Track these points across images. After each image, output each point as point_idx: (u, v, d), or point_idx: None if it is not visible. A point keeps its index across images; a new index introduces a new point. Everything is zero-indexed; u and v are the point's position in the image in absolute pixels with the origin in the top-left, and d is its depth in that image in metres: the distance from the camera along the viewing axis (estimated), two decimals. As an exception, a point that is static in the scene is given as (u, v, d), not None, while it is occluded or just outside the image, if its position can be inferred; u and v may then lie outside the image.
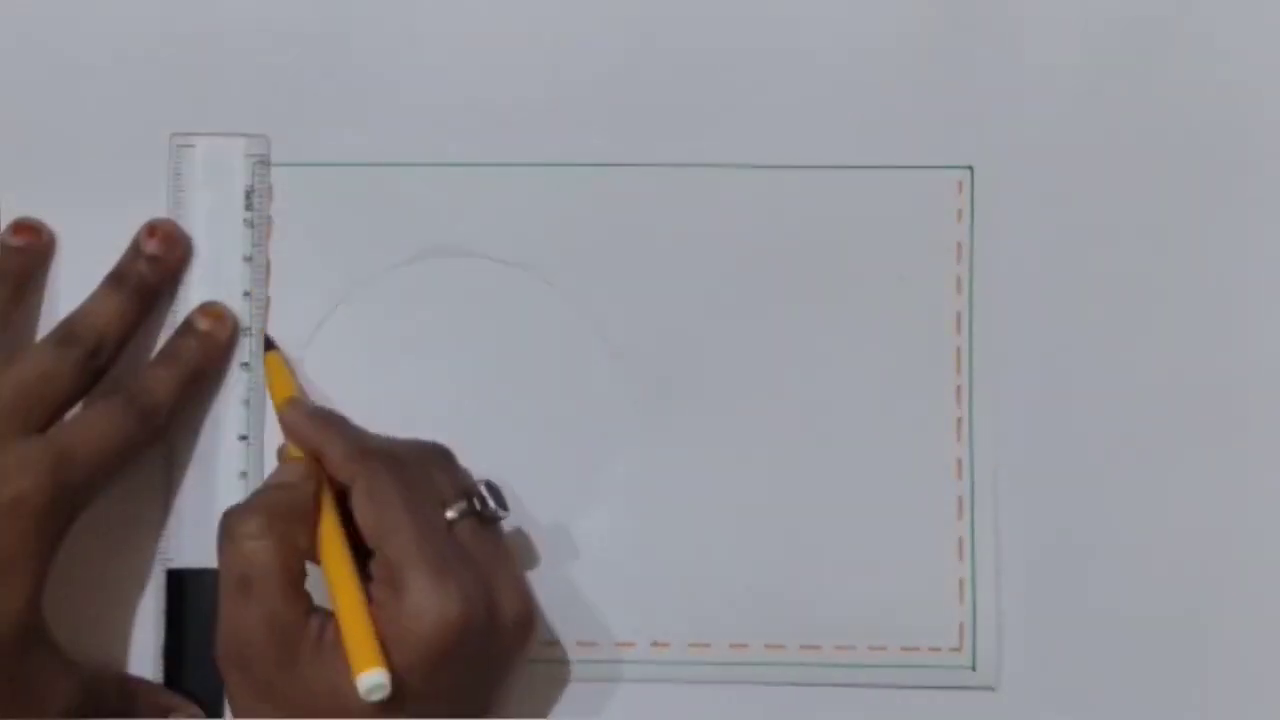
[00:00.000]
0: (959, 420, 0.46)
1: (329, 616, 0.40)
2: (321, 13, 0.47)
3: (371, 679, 0.37)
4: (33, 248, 0.46)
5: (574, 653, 0.45)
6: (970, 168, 0.46)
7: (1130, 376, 0.46)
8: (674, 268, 0.46)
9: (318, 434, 0.43)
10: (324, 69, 0.47)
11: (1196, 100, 0.46)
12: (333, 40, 0.47)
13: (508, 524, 0.43)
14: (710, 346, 0.46)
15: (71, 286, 0.45)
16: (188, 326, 0.45)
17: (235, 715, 0.40)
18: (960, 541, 0.45)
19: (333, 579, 0.40)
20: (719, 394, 0.46)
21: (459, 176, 0.47)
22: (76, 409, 0.43)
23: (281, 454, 0.44)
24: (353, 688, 0.37)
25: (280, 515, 0.40)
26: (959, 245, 0.46)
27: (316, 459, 0.42)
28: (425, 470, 0.42)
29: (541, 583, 0.45)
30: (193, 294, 0.46)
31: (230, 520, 0.40)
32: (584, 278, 0.46)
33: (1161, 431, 0.46)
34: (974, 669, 0.45)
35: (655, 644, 0.45)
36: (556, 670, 0.45)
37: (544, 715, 0.45)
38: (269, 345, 0.46)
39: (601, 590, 0.45)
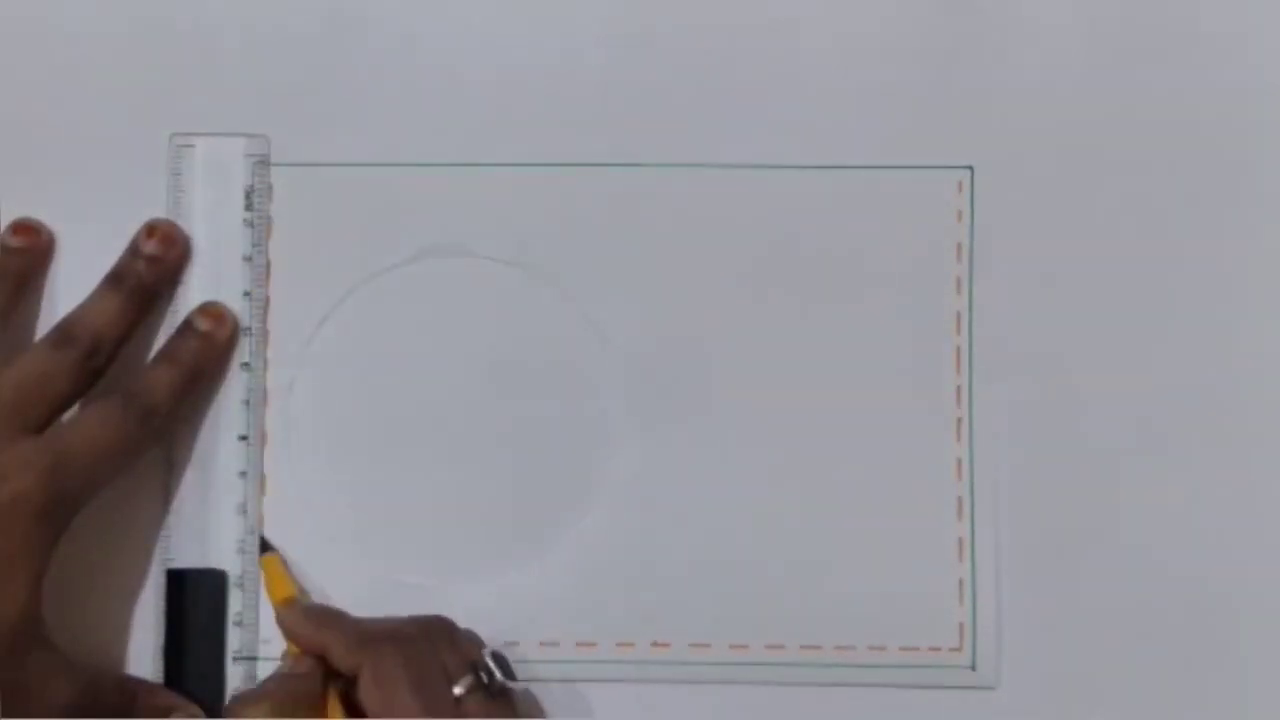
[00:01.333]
0: (959, 420, 0.46)
1: None
2: (321, 13, 0.47)
3: None
4: (33, 248, 0.46)
5: (574, 653, 0.45)
6: (970, 168, 0.46)
7: (1130, 376, 0.46)
8: (674, 268, 0.46)
9: (318, 632, 0.43)
10: (324, 69, 0.47)
11: (1197, 100, 0.46)
12: (333, 40, 0.47)
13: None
14: (710, 346, 0.46)
15: (71, 286, 0.45)
16: (187, 326, 0.45)
17: None
18: (960, 541, 0.45)
19: None
20: (719, 394, 0.46)
21: (459, 176, 0.47)
22: (75, 409, 0.44)
23: (285, 656, 0.44)
24: None
25: (287, 705, 0.41)
26: (959, 245, 0.46)
27: (321, 655, 0.42)
28: (431, 647, 0.42)
29: (542, 583, 0.45)
30: (192, 294, 0.46)
31: (236, 707, 0.41)
32: (584, 278, 0.46)
33: (1162, 431, 0.46)
34: (974, 669, 0.45)
35: (655, 644, 0.45)
36: (557, 670, 0.45)
37: (544, 715, 0.45)
38: (265, 547, 0.46)
39: (601, 590, 0.45)
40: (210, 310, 0.46)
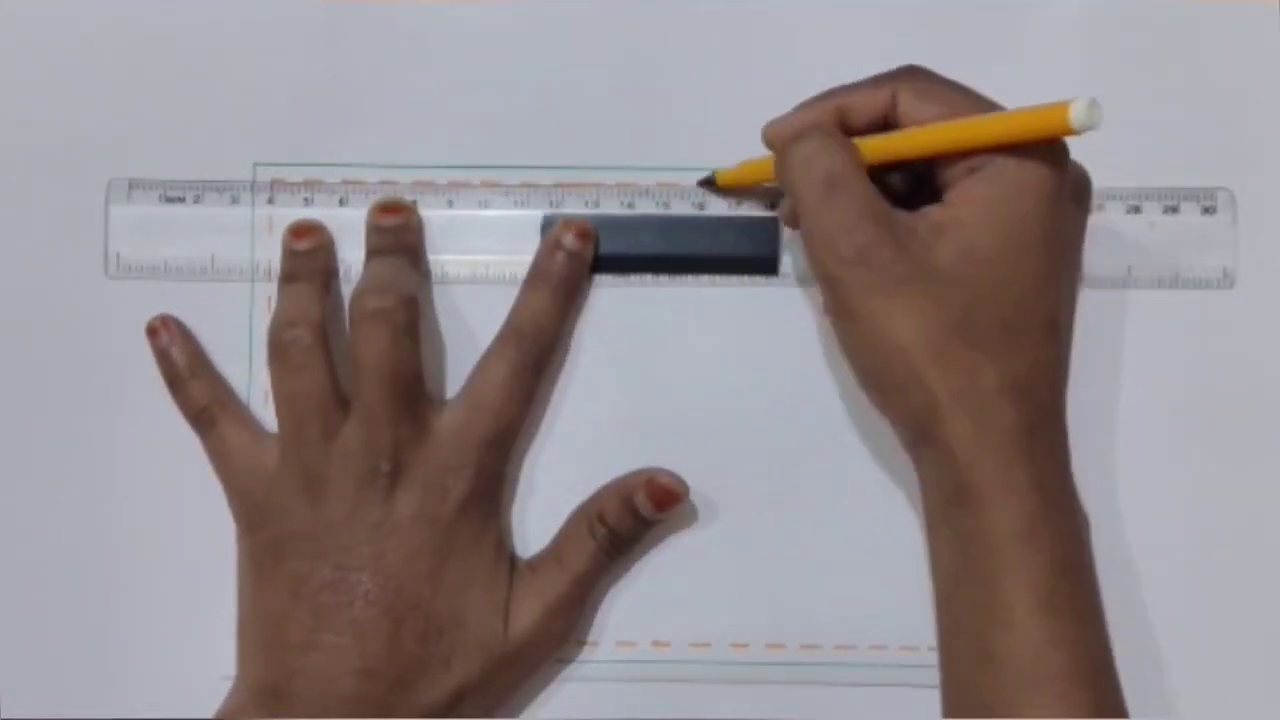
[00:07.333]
0: (959, 421, 0.46)
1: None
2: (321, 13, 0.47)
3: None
4: (320, 246, 0.46)
5: (574, 653, 0.46)
6: (970, 168, 0.46)
7: (1129, 376, 0.46)
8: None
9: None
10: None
11: (1197, 101, 0.46)
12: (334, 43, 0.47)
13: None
14: (709, 346, 0.46)
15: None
16: (555, 245, 0.45)
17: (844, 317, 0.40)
18: (960, 542, 0.45)
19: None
20: (718, 393, 0.46)
21: (458, 177, 0.47)
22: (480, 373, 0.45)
23: None
24: None
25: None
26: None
27: None
28: None
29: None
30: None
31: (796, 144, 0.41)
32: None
33: (1161, 431, 0.46)
34: (973, 670, 0.45)
35: (655, 644, 0.46)
36: (557, 670, 0.46)
37: (544, 716, 0.45)
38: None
39: (602, 590, 0.46)
40: (575, 226, 0.46)
